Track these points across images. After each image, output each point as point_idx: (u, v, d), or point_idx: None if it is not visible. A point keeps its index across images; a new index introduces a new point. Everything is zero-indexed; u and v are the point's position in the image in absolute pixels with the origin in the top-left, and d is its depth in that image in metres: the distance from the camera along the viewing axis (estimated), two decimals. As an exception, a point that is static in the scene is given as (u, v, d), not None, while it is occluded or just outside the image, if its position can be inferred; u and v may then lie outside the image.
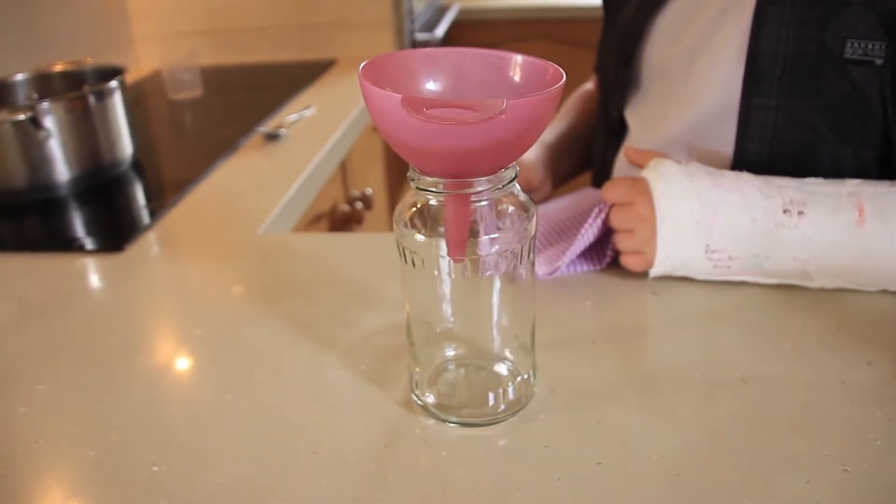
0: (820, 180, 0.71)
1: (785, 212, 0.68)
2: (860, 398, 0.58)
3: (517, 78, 0.55)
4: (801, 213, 0.68)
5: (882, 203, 0.68)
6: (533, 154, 0.93)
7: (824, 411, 0.57)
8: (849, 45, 0.71)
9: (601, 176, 0.97)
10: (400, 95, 0.46)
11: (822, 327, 0.67)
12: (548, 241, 0.78)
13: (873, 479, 0.51)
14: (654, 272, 0.73)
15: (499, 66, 0.56)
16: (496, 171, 0.52)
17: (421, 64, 0.56)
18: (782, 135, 0.75)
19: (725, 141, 0.79)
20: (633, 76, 0.88)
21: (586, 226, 0.74)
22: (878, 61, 0.70)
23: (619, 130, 0.91)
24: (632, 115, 0.89)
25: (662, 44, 0.84)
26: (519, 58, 0.55)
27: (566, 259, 0.73)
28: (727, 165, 0.79)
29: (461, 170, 0.51)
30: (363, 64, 0.52)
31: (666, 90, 0.84)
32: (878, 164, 0.74)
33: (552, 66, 0.53)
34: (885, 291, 0.71)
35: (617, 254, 0.76)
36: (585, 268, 0.77)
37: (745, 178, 0.71)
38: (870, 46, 0.70)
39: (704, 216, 0.69)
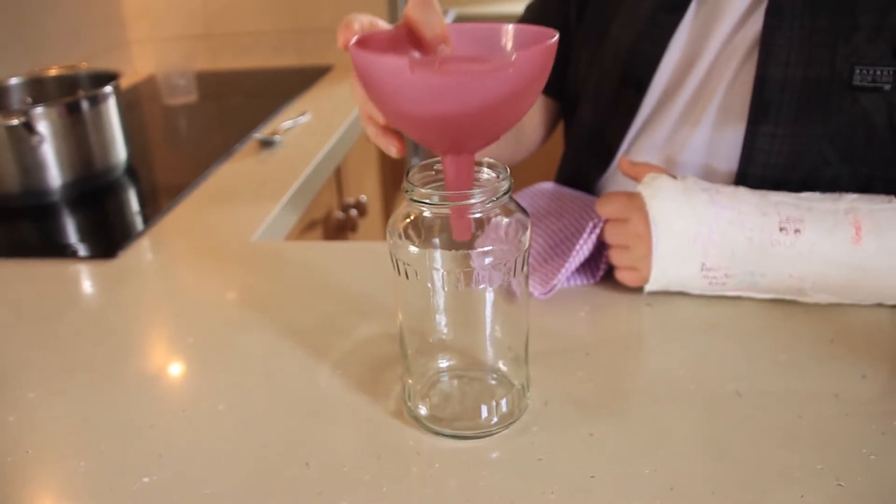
0: (817, 195, 0.70)
1: (781, 230, 0.68)
2: (854, 411, 0.58)
3: (510, 46, 0.55)
4: (797, 230, 0.67)
5: (879, 220, 0.67)
6: None
7: (819, 425, 0.57)
8: (857, 71, 0.70)
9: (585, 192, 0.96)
10: (406, 58, 0.46)
11: (817, 340, 0.67)
12: (542, 258, 0.78)
13: (867, 493, 0.51)
14: (648, 288, 0.73)
15: (490, 38, 0.55)
16: (498, 137, 0.52)
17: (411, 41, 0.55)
18: (787, 161, 0.75)
19: (727, 165, 0.78)
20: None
21: (580, 242, 0.73)
22: (887, 87, 0.70)
23: (614, 155, 0.89)
24: (626, 141, 0.88)
25: (668, 69, 0.83)
26: (510, 27, 0.55)
27: (561, 277, 0.73)
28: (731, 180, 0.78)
29: (464, 136, 0.50)
30: (354, 39, 0.51)
31: (666, 114, 0.83)
32: (881, 181, 0.74)
33: (545, 29, 0.52)
34: (880, 304, 0.71)
35: (611, 267, 0.76)
36: (579, 282, 0.77)
37: (742, 194, 0.70)
38: (878, 72, 0.70)
39: (700, 234, 0.69)
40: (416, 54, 0.55)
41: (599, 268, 0.77)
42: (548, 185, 0.92)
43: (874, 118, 0.71)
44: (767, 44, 0.74)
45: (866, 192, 0.72)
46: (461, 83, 0.46)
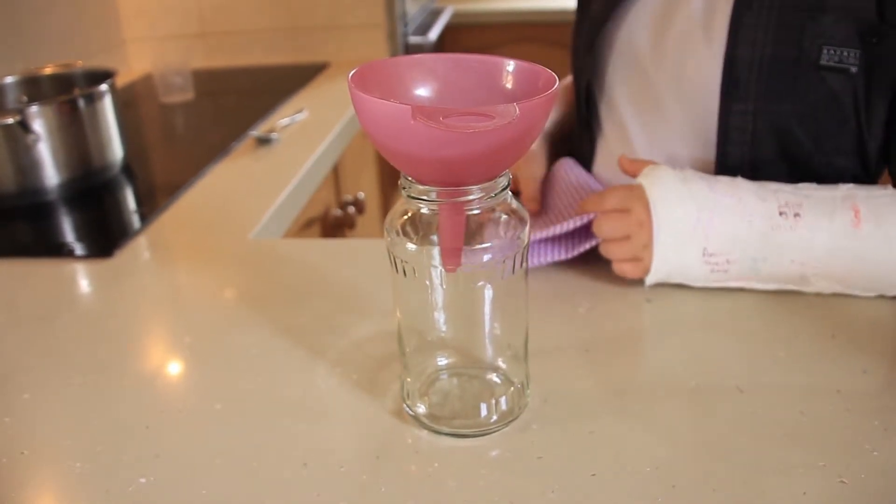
0: (814, 185, 0.71)
1: (781, 214, 0.68)
2: (856, 407, 0.58)
3: (509, 83, 0.55)
4: (797, 214, 0.68)
5: (877, 206, 0.68)
6: (535, 166, 0.92)
7: (820, 421, 0.57)
8: (825, 51, 0.72)
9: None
10: (409, 106, 0.45)
11: (817, 335, 0.67)
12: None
13: (870, 490, 0.50)
14: (650, 279, 0.72)
15: (490, 72, 0.55)
16: (496, 175, 0.51)
17: (410, 71, 0.55)
18: (762, 139, 0.76)
19: (707, 145, 0.79)
20: (601, 63, 0.88)
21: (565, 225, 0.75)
22: (853, 69, 0.71)
23: (589, 122, 0.91)
24: (609, 120, 0.89)
25: (635, 38, 0.84)
26: (510, 63, 0.55)
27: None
28: (710, 170, 0.79)
29: (462, 176, 0.50)
30: (352, 73, 0.51)
31: (643, 94, 0.84)
32: (853, 174, 0.76)
33: (545, 71, 0.52)
34: (880, 298, 0.71)
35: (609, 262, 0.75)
36: (556, 256, 0.77)
37: (741, 182, 0.71)
38: (845, 54, 0.71)
39: (701, 219, 0.69)
40: (421, 90, 0.55)
41: (582, 244, 0.77)
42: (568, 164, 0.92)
43: (842, 101, 0.72)
44: (736, 24, 0.75)
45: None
46: (463, 135, 0.45)
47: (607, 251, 0.74)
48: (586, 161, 0.93)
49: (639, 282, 0.75)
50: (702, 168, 0.80)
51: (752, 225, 0.68)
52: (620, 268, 0.74)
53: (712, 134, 0.79)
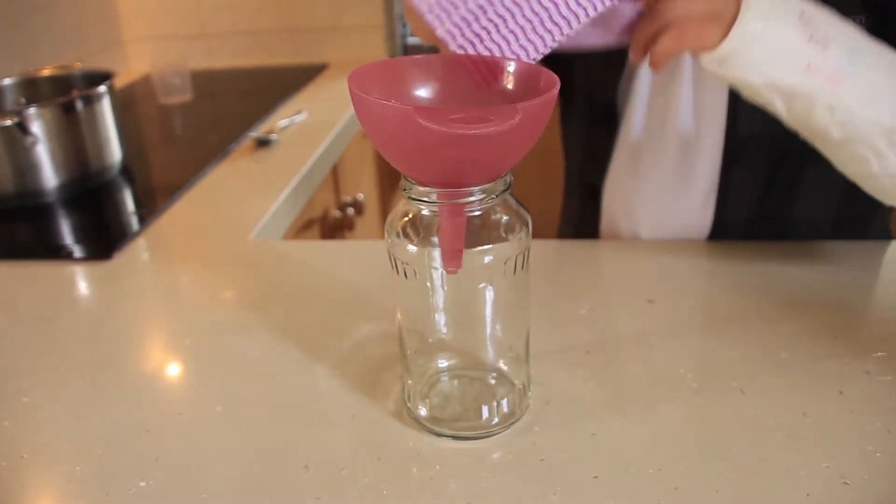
0: None
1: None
2: (859, 409, 0.58)
3: (510, 84, 0.54)
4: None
5: None
6: None
7: (823, 422, 0.56)
8: None
9: (591, 167, 0.95)
10: (410, 107, 0.45)
11: (819, 336, 0.66)
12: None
13: (873, 491, 0.50)
14: (734, 35, 0.61)
15: (491, 72, 0.55)
16: (498, 177, 0.51)
17: (410, 71, 0.55)
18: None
19: (716, 118, 0.79)
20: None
21: None
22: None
23: (612, 113, 0.89)
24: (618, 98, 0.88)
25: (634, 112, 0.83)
26: (511, 63, 0.54)
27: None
28: (719, 138, 0.80)
29: (463, 177, 0.50)
30: (351, 74, 0.51)
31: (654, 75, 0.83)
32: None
33: (545, 72, 0.52)
34: (882, 299, 0.70)
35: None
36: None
37: None
38: (855, 21, 0.70)
39: None
40: (422, 90, 0.54)
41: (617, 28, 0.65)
42: None
43: None
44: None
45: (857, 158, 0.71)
46: (464, 137, 0.45)
47: (675, 8, 0.62)
48: (606, 153, 0.90)
49: (639, 281, 0.74)
50: (713, 136, 0.80)
51: (845, 20, 0.65)
52: (685, 31, 0.61)
53: (723, 109, 0.79)
